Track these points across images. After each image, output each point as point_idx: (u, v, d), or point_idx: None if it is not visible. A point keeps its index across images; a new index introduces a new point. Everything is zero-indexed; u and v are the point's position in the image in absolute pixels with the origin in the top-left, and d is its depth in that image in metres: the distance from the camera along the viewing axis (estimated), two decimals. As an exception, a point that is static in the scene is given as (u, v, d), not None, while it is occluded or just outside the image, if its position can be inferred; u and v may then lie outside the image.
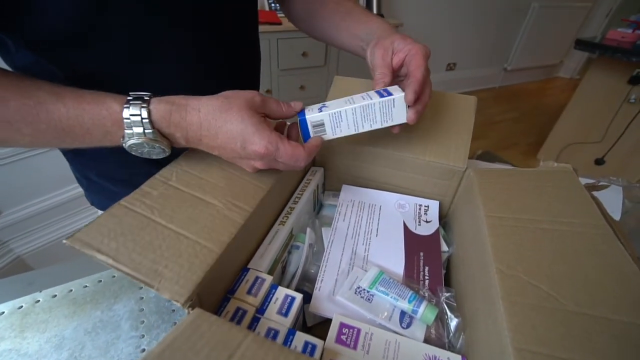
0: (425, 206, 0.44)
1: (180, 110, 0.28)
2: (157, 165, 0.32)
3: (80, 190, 0.49)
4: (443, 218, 0.44)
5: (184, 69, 0.38)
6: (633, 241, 0.27)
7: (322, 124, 0.33)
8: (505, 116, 2.49)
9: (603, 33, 1.68)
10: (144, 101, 0.27)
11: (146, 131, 0.27)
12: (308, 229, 0.38)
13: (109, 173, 0.43)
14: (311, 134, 0.34)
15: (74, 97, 0.27)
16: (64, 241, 0.24)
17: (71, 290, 0.39)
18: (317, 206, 0.47)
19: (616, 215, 0.44)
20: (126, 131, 0.27)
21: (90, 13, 0.29)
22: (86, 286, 0.40)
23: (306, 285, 0.36)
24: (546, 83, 3.21)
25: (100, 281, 0.41)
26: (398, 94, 0.32)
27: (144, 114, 0.27)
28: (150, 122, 0.27)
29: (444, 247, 0.39)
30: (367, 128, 0.34)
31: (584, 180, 0.49)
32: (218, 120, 0.28)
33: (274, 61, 1.53)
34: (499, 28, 2.62)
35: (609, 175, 0.51)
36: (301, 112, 0.34)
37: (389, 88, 0.34)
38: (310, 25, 0.49)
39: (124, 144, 0.28)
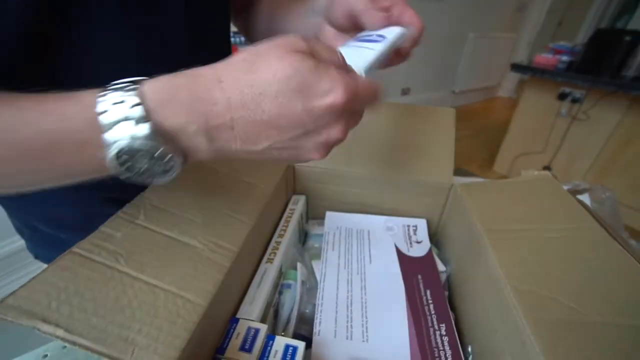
0: (413, 226, 0.42)
1: (189, 85, 0.18)
2: (119, 204, 0.27)
3: (15, 245, 0.41)
4: (432, 236, 0.43)
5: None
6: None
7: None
8: (460, 134, 2.64)
9: (529, 58, 1.91)
10: (132, 83, 0.18)
11: (139, 127, 0.17)
12: (299, 265, 0.34)
13: (58, 216, 0.36)
14: None
15: (31, 97, 0.18)
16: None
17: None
18: (303, 237, 0.44)
19: (588, 217, 0.46)
20: (105, 127, 0.17)
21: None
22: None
23: (302, 328, 0.32)
24: (489, 102, 3.55)
25: (46, 356, 0.33)
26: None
27: (132, 99, 0.17)
28: (145, 109, 0.17)
29: (441, 267, 0.37)
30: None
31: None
32: (254, 83, 0.17)
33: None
34: (444, 55, 2.88)
35: (572, 180, 0.55)
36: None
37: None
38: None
39: (107, 156, 0.18)
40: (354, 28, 0.31)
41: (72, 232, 0.36)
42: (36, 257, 0.41)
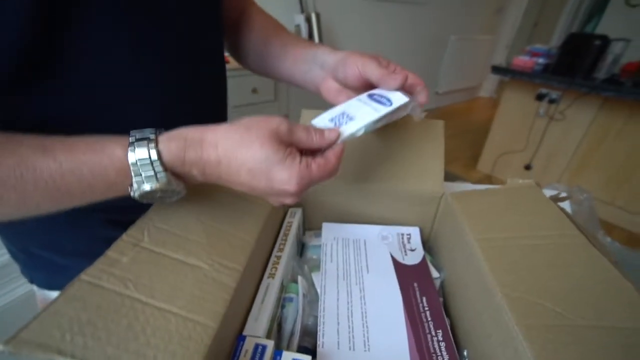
0: (407, 234, 0.44)
1: (195, 146, 0.24)
2: (120, 226, 0.27)
3: (6, 257, 0.40)
4: (425, 243, 0.45)
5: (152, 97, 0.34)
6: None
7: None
8: (445, 134, 2.74)
9: (507, 60, 1.98)
10: (151, 140, 0.24)
11: (158, 175, 0.24)
12: (300, 278, 0.35)
13: (58, 241, 0.36)
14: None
15: (65, 147, 0.23)
16: (1, 346, 0.19)
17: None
18: (300, 248, 0.45)
19: (569, 219, 0.49)
20: (135, 179, 0.24)
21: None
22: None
23: (306, 341, 0.33)
24: (471, 103, 3.65)
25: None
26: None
27: (154, 155, 0.23)
28: (162, 164, 0.24)
29: (435, 274, 0.39)
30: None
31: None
32: (238, 157, 0.24)
33: (224, 99, 1.51)
34: (427, 57, 2.95)
35: (553, 182, 0.58)
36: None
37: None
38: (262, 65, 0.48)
39: (132, 193, 0.25)
40: (362, 89, 0.35)
41: (70, 257, 0.36)
42: (31, 282, 0.40)
